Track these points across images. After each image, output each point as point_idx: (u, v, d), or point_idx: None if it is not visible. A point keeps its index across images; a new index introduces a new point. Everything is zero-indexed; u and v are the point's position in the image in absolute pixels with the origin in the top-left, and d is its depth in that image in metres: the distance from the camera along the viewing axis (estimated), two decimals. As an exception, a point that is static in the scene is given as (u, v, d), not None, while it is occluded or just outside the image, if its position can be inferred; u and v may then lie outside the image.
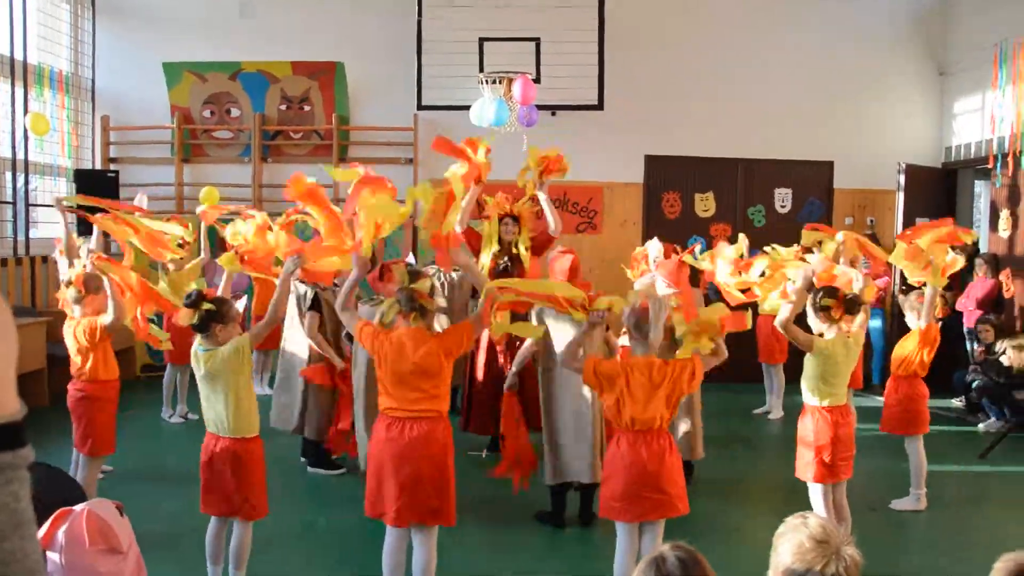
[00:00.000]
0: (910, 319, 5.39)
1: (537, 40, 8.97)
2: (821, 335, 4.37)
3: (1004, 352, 7.75)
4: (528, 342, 4.96)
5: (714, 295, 5.90)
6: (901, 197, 9.16)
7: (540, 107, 8.65)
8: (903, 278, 5.71)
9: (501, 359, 5.98)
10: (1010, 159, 8.30)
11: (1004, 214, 8.67)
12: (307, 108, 9.87)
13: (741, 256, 5.20)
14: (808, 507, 4.21)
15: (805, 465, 4.35)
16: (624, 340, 3.87)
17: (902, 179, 9.16)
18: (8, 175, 8.32)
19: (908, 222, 9.16)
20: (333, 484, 5.78)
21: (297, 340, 5.86)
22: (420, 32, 9.16)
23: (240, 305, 4.09)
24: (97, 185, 8.74)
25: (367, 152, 9.86)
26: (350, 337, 5.13)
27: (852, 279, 4.69)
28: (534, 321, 4.77)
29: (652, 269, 5.87)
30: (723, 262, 5.16)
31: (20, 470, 0.91)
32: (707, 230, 9.81)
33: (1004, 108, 8.39)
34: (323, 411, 5.80)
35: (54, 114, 8.84)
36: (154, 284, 5.03)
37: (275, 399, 6.02)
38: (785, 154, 9.74)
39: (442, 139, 4.41)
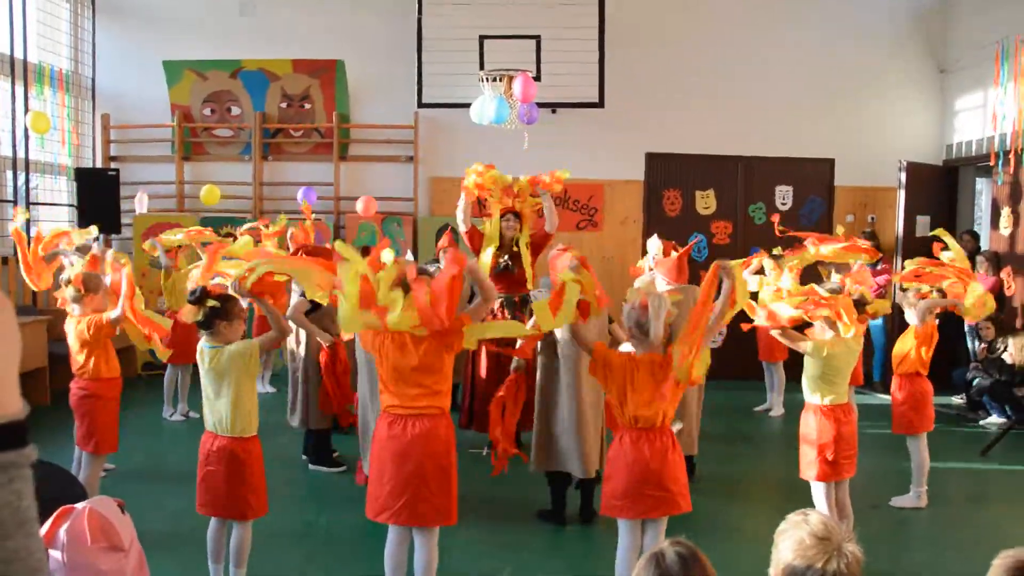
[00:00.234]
0: (909, 316, 5.39)
1: (537, 38, 8.97)
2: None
3: (1005, 349, 7.76)
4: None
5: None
6: (902, 194, 9.15)
7: (540, 105, 8.64)
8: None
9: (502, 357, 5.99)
10: (1011, 157, 8.29)
11: (1005, 212, 8.67)
12: (307, 106, 9.87)
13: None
14: (809, 504, 4.20)
15: (808, 464, 4.36)
16: (626, 347, 3.84)
17: (903, 176, 9.15)
18: (9, 173, 8.33)
19: (909, 219, 9.18)
20: (334, 482, 5.79)
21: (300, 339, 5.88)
22: (420, 30, 9.16)
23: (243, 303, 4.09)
24: (97, 184, 8.76)
25: (367, 150, 9.88)
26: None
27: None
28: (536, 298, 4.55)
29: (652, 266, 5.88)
30: (785, 307, 4.40)
31: (23, 469, 0.91)
32: (708, 228, 9.81)
33: (1005, 105, 8.37)
34: (315, 399, 5.82)
35: (54, 112, 8.84)
36: (154, 285, 5.02)
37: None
38: (786, 151, 9.74)
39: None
